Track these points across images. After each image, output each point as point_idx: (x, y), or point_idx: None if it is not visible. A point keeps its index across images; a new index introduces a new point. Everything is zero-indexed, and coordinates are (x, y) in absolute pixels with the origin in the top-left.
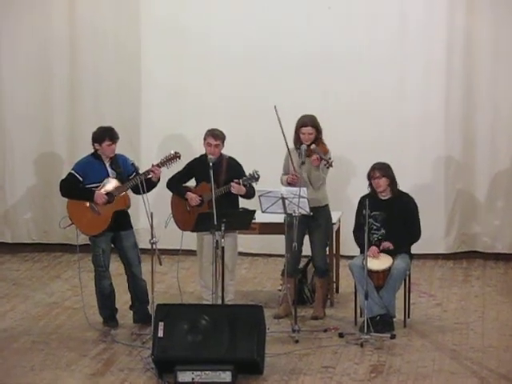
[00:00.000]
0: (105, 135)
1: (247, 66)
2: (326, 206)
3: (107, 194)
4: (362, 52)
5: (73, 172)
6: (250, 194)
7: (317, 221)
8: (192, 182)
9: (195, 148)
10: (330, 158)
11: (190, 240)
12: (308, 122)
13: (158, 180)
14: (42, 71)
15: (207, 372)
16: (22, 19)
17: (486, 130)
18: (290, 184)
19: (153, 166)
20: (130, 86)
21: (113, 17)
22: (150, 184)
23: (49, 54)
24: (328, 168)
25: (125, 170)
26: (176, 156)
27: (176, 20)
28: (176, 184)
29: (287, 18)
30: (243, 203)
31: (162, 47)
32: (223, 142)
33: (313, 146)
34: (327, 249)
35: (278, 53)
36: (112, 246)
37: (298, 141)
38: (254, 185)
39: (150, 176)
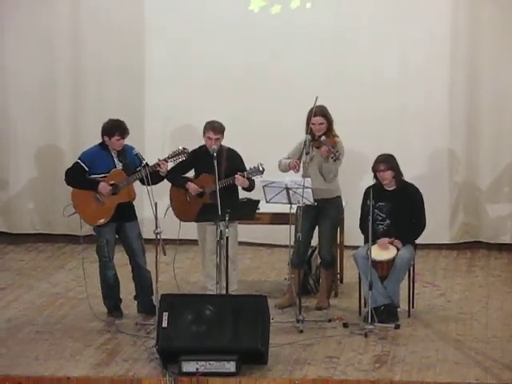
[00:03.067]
0: (115, 130)
1: (253, 46)
2: (338, 197)
3: (112, 184)
4: (365, 45)
5: (79, 161)
6: (251, 186)
7: (326, 212)
8: (190, 173)
9: (199, 135)
10: (337, 151)
11: (193, 230)
12: (318, 112)
13: (160, 177)
14: (45, 61)
15: (211, 362)
16: (26, 9)
17: (490, 120)
18: (290, 168)
19: (159, 160)
20: (133, 74)
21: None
22: (158, 177)
23: (52, 45)
24: (335, 161)
25: (131, 161)
26: (184, 151)
27: (178, 4)
28: (176, 175)
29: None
30: (243, 194)
31: (165, 33)
32: (223, 134)
33: (323, 137)
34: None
35: (280, 36)
36: (116, 236)
37: (309, 131)
38: (259, 177)
39: (157, 169)
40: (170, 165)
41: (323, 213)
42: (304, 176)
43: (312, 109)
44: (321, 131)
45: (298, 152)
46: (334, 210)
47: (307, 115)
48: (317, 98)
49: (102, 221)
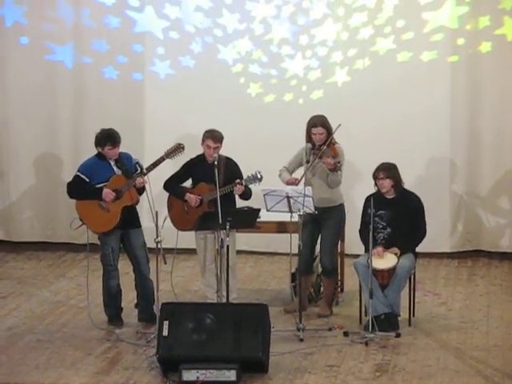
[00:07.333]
0: (106, 141)
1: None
2: (340, 205)
3: (115, 190)
4: (365, 49)
5: (78, 174)
6: (247, 194)
7: (328, 220)
8: (187, 183)
9: (198, 145)
10: (338, 162)
11: (193, 239)
12: (318, 123)
13: (143, 189)
14: (45, 68)
15: (212, 371)
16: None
17: (491, 128)
18: (288, 184)
19: (135, 178)
20: (133, 81)
21: None
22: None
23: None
24: (337, 171)
25: (129, 167)
26: (180, 147)
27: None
28: (173, 185)
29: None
30: (240, 202)
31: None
32: (221, 143)
33: (324, 147)
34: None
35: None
36: (120, 245)
37: (309, 140)
38: (257, 185)
39: (134, 183)
40: (168, 161)
41: (325, 221)
42: (306, 184)
43: (310, 120)
44: (321, 141)
45: (299, 160)
46: (337, 218)
47: (307, 125)
48: (339, 125)
49: (110, 227)
